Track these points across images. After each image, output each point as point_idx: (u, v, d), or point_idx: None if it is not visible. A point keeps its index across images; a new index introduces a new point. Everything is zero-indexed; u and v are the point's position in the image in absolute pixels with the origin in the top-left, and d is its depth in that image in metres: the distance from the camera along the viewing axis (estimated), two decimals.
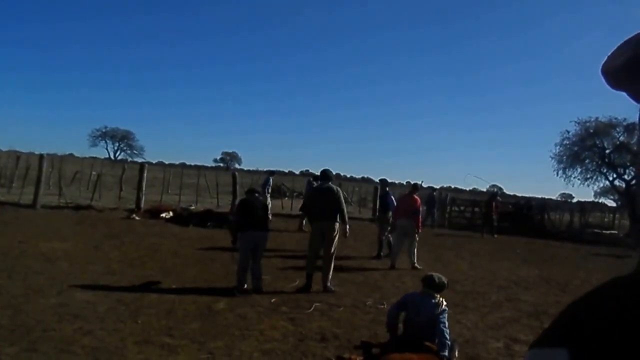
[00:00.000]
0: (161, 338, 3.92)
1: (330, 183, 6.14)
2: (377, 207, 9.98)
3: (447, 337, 3.59)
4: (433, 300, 3.70)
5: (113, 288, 5.32)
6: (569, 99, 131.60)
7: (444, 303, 3.74)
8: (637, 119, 0.37)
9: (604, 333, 0.28)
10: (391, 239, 8.65)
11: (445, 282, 3.86)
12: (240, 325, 4.39)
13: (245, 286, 5.63)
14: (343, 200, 6.09)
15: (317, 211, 6.06)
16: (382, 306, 5.37)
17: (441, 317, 3.65)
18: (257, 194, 6.22)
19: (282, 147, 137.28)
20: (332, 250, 5.95)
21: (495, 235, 14.25)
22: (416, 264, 7.95)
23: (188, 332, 4.12)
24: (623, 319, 0.28)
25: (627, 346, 0.27)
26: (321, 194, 6.07)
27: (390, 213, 8.79)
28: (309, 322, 4.62)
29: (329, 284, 5.90)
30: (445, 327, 3.60)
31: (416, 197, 8.51)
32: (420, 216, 8.53)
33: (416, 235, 8.11)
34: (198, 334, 4.07)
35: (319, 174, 7.49)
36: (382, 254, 8.77)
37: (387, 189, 9.48)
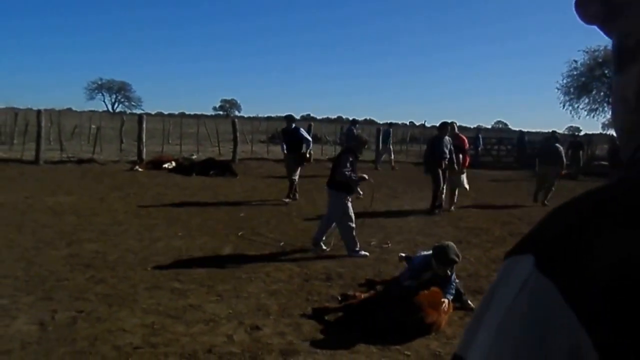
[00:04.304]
0: (170, 283, 4.03)
1: (556, 143, 9.22)
2: (287, 144, 8.15)
3: (453, 288, 3.59)
4: (448, 274, 3.55)
5: (121, 238, 5.41)
6: (577, 28, 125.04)
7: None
8: (612, 53, 0.37)
9: (565, 236, 0.30)
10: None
11: (460, 256, 3.63)
12: (247, 269, 4.49)
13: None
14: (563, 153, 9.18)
15: (545, 161, 9.10)
16: (387, 246, 5.46)
17: (452, 280, 3.61)
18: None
19: (282, 92, 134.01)
20: (554, 184, 9.01)
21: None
22: (452, 208, 7.86)
23: (196, 276, 4.22)
24: (580, 221, 0.31)
25: (583, 246, 0.29)
26: (549, 148, 9.15)
27: (305, 146, 8.07)
28: (313, 263, 4.71)
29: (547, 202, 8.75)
30: (452, 289, 3.58)
31: (462, 136, 8.29)
32: (467, 155, 8.29)
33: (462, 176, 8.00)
34: (206, 278, 4.18)
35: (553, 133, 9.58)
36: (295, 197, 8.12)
37: (294, 124, 8.34)
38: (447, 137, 7.66)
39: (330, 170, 5.26)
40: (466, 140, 8.33)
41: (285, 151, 8.19)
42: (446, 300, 3.40)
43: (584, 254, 0.28)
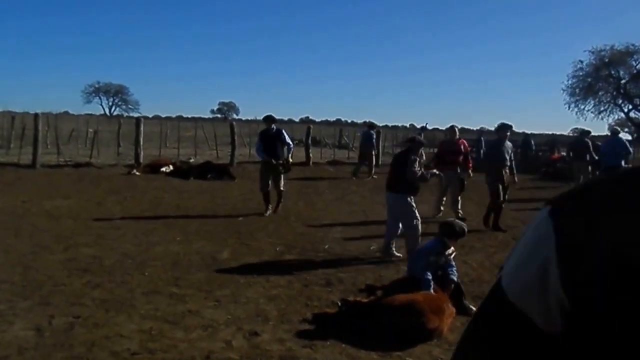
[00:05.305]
0: (168, 288, 3.99)
1: (585, 138, 10.42)
2: (268, 149, 7.12)
3: (455, 278, 3.77)
4: (450, 250, 3.80)
5: (118, 242, 5.37)
6: (582, 27, 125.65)
7: (452, 249, 3.86)
8: None
9: (574, 195, 0.45)
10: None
11: (465, 229, 3.91)
12: (246, 274, 4.45)
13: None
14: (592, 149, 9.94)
15: (577, 156, 10.21)
16: None
17: (452, 263, 3.81)
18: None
19: (280, 94, 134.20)
20: (588, 178, 9.27)
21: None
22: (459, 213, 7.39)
23: (194, 281, 4.18)
24: (588, 187, 0.46)
25: (582, 201, 0.43)
26: (579, 145, 10.29)
27: (286, 151, 7.19)
28: (313, 268, 4.68)
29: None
30: (454, 270, 3.81)
31: (461, 140, 7.80)
32: (469, 158, 7.67)
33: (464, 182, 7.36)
34: (204, 283, 4.14)
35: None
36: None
37: (274, 126, 7.30)
38: (508, 142, 6.74)
39: (389, 174, 5.07)
40: (466, 143, 8.11)
41: (264, 156, 7.09)
42: (452, 288, 3.68)
43: (583, 208, 0.42)
